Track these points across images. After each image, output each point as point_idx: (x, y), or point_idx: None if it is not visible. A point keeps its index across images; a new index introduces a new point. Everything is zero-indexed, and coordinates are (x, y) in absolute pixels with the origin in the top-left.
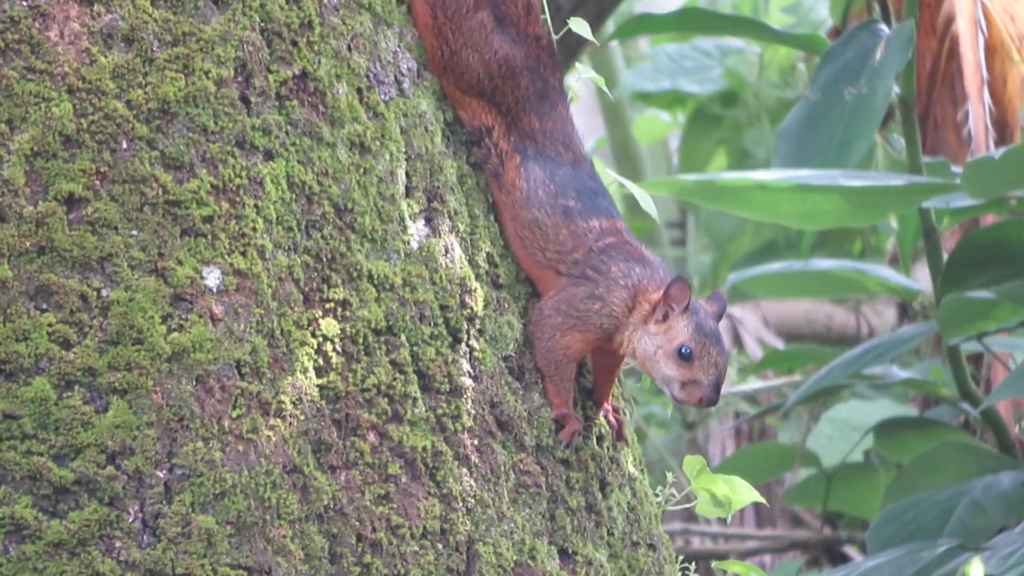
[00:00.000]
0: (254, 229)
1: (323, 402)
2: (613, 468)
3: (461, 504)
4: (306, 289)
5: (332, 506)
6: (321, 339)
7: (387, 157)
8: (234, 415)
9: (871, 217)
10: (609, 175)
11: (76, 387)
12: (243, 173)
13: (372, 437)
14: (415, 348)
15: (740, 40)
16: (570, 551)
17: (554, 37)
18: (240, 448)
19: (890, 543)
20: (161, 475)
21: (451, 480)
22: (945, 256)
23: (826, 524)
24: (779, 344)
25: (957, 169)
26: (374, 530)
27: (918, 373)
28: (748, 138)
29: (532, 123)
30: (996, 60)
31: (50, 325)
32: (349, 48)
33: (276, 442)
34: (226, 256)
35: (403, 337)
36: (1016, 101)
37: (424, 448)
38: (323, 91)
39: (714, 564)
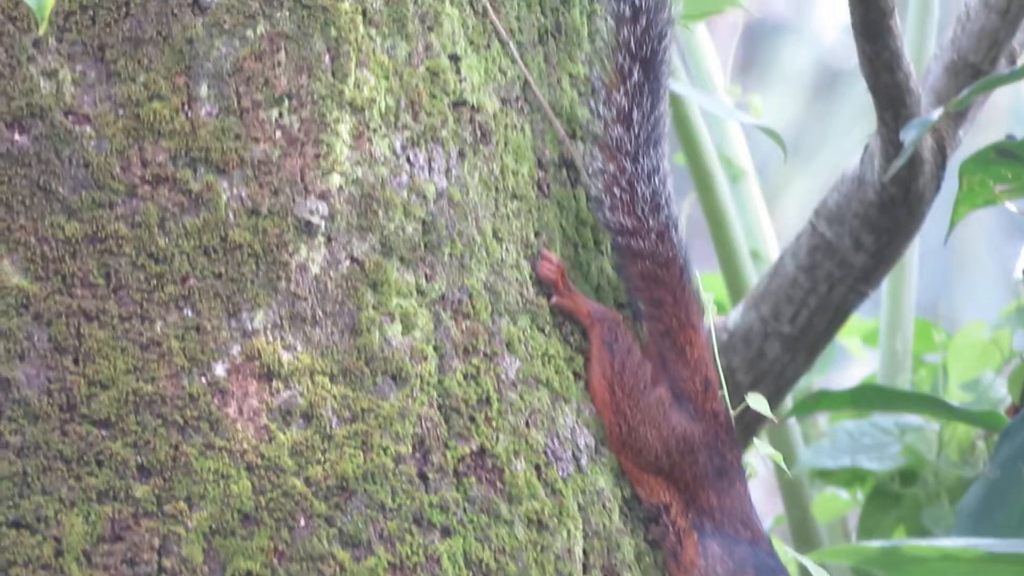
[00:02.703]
0: None
1: None
2: None
3: None
4: None
5: None
6: None
7: (564, 535)
8: None
9: None
10: (787, 552)
11: None
12: (420, 551)
13: None
14: None
15: (919, 416)
16: None
17: (732, 413)
18: None
19: None
20: None
21: None
22: None
23: None
24: None
25: None
26: None
27: None
28: (927, 516)
29: (710, 500)
30: None
31: None
32: (527, 424)
33: None
34: None
35: None
36: None
37: None
38: (501, 468)
39: None
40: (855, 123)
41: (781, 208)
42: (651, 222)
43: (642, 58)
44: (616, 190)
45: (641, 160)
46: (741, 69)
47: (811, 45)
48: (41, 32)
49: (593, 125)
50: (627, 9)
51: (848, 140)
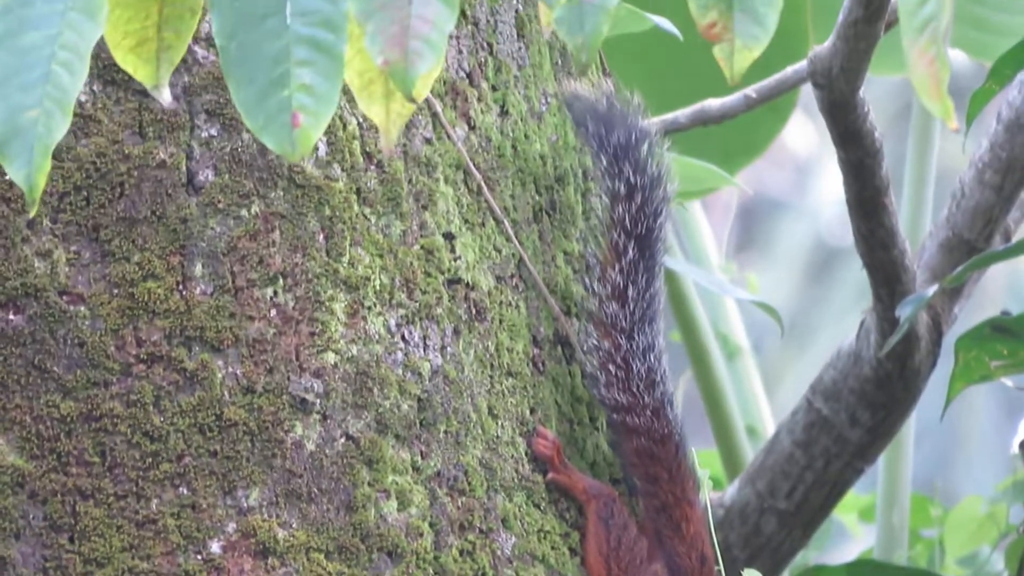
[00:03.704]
0: None
1: None
2: None
3: None
4: None
5: None
6: None
7: None
8: None
9: None
10: None
11: None
12: None
13: None
14: None
15: None
16: None
17: None
18: None
19: None
20: None
21: None
22: None
23: None
24: None
25: None
26: None
27: None
28: None
29: None
30: None
31: None
32: None
33: None
34: None
35: None
36: None
37: None
38: None
39: None
40: (853, 300)
41: (779, 385)
42: (646, 399)
43: (637, 235)
44: (611, 367)
45: (636, 337)
46: (738, 246)
47: (808, 223)
48: (32, 215)
49: (588, 302)
50: (622, 187)
51: (846, 317)
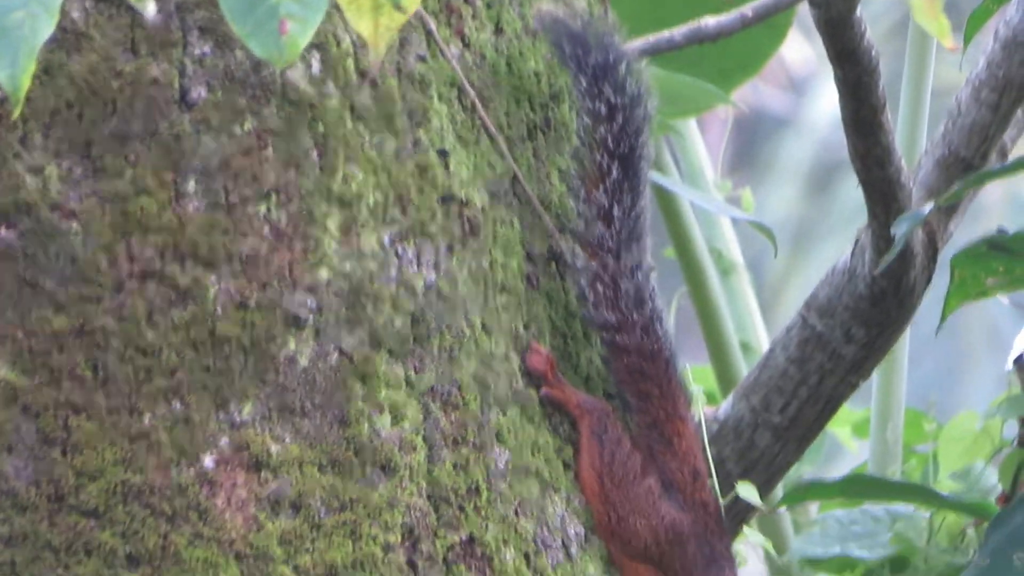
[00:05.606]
0: None
1: None
2: None
3: None
4: None
5: None
6: None
7: None
8: None
9: None
10: None
11: None
12: None
13: None
14: None
15: (909, 504)
16: None
17: (722, 502)
18: None
19: None
20: None
21: None
22: None
23: None
24: None
25: None
26: None
27: None
28: None
29: None
30: None
31: None
32: (516, 513)
33: None
34: None
35: None
36: None
37: None
38: (490, 556)
39: None
40: (853, 215)
41: (780, 300)
42: (635, 317)
43: (620, 155)
44: (599, 286)
45: (623, 256)
46: (735, 164)
47: (806, 139)
48: (16, 115)
49: (575, 223)
50: (603, 108)
51: (845, 232)
